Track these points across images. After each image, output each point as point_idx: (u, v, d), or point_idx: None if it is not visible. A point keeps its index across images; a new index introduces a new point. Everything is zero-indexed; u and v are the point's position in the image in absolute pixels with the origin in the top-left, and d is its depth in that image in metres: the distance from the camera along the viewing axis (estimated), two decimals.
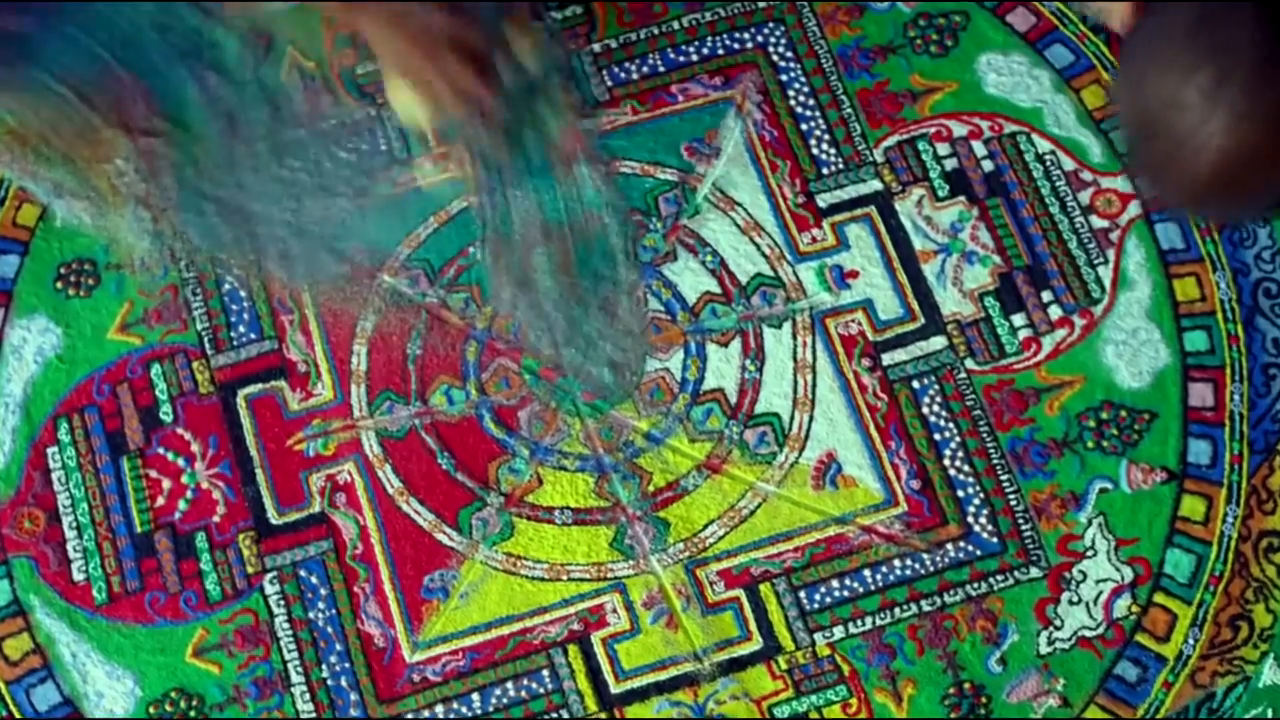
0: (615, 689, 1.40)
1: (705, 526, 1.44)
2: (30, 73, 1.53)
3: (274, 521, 1.45)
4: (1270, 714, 1.38)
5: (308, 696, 1.40)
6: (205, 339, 1.50)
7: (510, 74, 1.29)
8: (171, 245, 1.51)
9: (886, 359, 1.49)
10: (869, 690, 1.39)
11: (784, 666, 1.40)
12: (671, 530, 1.44)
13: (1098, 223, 1.52)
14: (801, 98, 1.57)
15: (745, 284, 1.52)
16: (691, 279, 1.52)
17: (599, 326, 1.50)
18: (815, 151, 1.55)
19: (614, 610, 1.42)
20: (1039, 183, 1.54)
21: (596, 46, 1.59)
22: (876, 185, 1.55)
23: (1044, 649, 1.40)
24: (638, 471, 1.46)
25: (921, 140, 1.56)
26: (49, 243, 1.54)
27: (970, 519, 1.44)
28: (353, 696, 1.40)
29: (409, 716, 1.39)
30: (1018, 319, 1.50)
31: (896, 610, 1.41)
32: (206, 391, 1.49)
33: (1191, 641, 1.40)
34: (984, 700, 1.39)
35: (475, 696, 1.40)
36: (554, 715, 1.39)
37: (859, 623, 1.41)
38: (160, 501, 1.46)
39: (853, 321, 1.50)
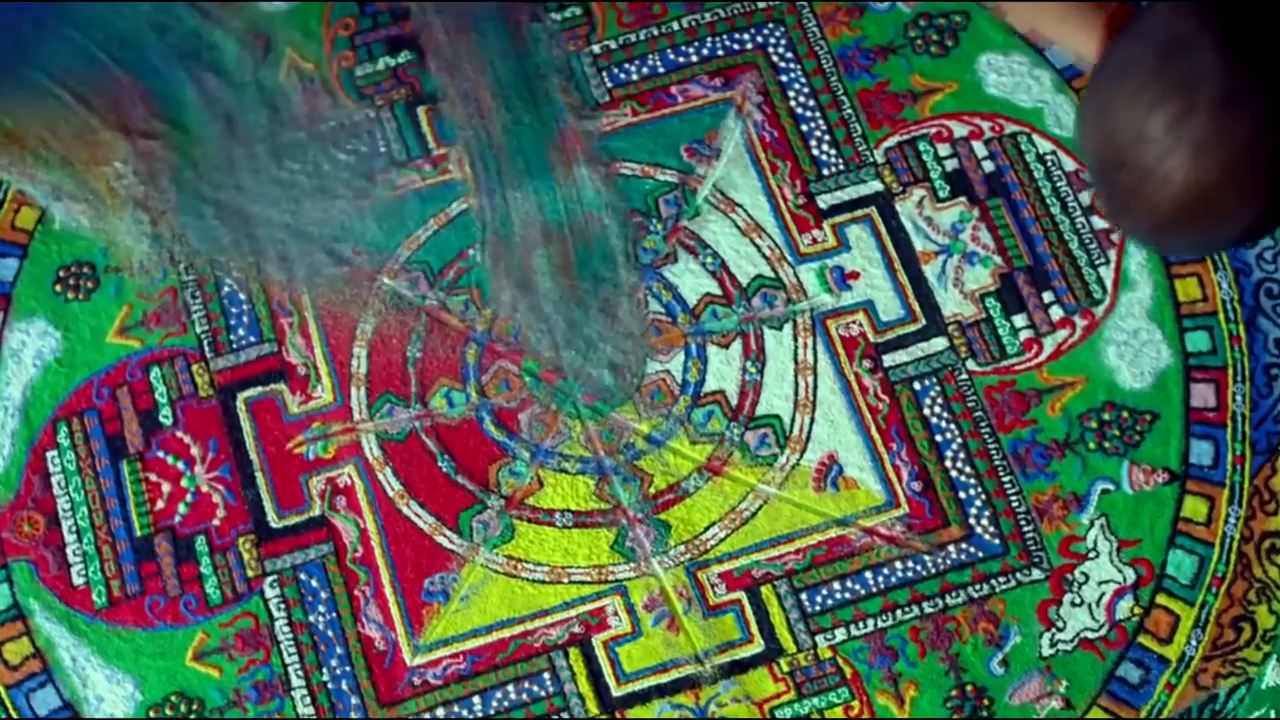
0: (617, 692, 1.40)
1: (706, 529, 1.44)
2: (28, 74, 1.53)
3: (274, 525, 1.45)
4: (1273, 715, 1.38)
5: (308, 700, 1.40)
6: (205, 342, 1.50)
7: None
8: (170, 248, 1.51)
9: (888, 360, 1.48)
10: (871, 692, 1.39)
11: (786, 669, 1.40)
12: (672, 532, 1.44)
13: (1099, 223, 1.52)
14: (802, 98, 1.57)
15: (746, 285, 1.51)
16: (692, 281, 1.52)
17: (599, 328, 1.50)
18: (816, 152, 1.55)
19: (615, 613, 1.42)
20: (1040, 183, 1.54)
21: (596, 48, 1.59)
22: (877, 186, 1.54)
23: (1046, 651, 1.40)
24: (638, 474, 1.46)
25: (922, 141, 1.55)
26: (48, 246, 1.54)
27: (972, 521, 1.44)
28: (353, 700, 1.40)
29: None
30: (1019, 320, 1.49)
31: (898, 612, 1.41)
32: (206, 395, 1.49)
33: (1194, 643, 1.40)
34: (986, 702, 1.39)
35: (476, 699, 1.40)
36: (555, 718, 1.39)
37: (861, 625, 1.41)
38: (160, 505, 1.45)
39: (854, 323, 1.50)
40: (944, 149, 1.55)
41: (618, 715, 1.40)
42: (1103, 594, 1.41)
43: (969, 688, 1.39)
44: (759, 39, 1.59)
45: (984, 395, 1.47)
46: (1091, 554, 1.42)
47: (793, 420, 1.47)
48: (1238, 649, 1.40)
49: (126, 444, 1.47)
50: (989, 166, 1.54)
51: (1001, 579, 1.42)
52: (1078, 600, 1.41)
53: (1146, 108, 0.90)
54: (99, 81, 1.52)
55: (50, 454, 1.47)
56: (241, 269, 1.51)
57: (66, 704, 1.40)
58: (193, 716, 1.40)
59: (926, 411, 1.47)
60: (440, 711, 1.39)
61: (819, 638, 1.41)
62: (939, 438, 1.46)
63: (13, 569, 1.44)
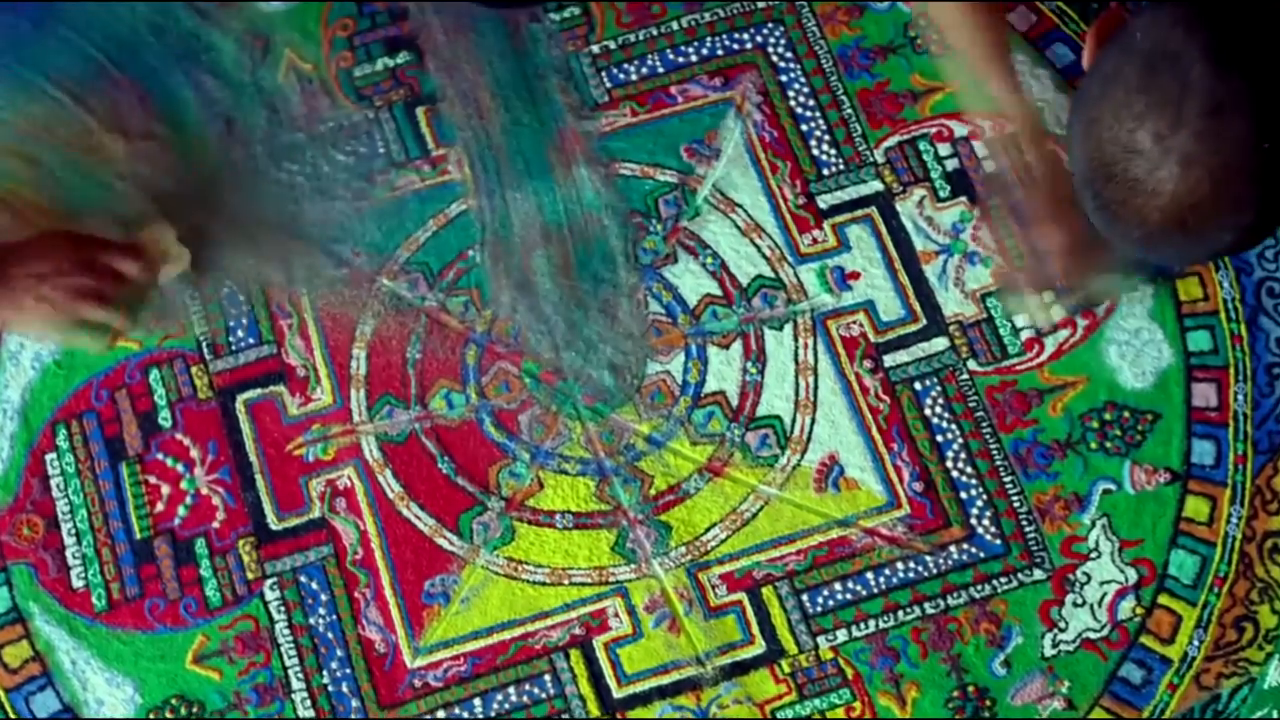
0: (618, 693, 1.40)
1: (707, 530, 1.44)
2: (26, 75, 1.52)
3: (274, 527, 1.44)
4: (1276, 715, 1.38)
5: (309, 703, 1.40)
6: (204, 344, 1.50)
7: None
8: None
9: (888, 360, 1.48)
10: (872, 693, 1.39)
11: (787, 670, 1.40)
12: (673, 534, 1.43)
13: None
14: (801, 98, 1.57)
15: (746, 286, 1.51)
16: (692, 281, 1.51)
17: (599, 329, 1.49)
18: (816, 152, 1.55)
19: (616, 614, 1.42)
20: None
21: (595, 48, 1.58)
22: (877, 186, 1.54)
23: (1048, 651, 1.40)
24: (639, 475, 1.45)
25: (922, 140, 1.55)
26: None
27: (973, 521, 1.43)
28: (354, 703, 1.39)
29: None
30: (1020, 320, 1.49)
31: (900, 613, 1.41)
32: (205, 397, 1.48)
33: (1196, 643, 1.40)
34: (988, 703, 1.38)
35: (477, 702, 1.40)
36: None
37: (862, 626, 1.41)
38: (159, 507, 1.45)
39: (854, 323, 1.50)
40: (944, 149, 1.55)
41: (619, 717, 1.39)
42: (1104, 594, 1.41)
43: (971, 688, 1.39)
44: (759, 39, 1.59)
45: (985, 395, 1.47)
46: (1093, 554, 1.42)
47: (793, 421, 1.47)
48: (1240, 649, 1.40)
49: (126, 446, 1.47)
50: (990, 166, 1.54)
51: (1003, 579, 1.42)
52: (1079, 600, 1.41)
53: (1135, 120, 0.90)
54: (96, 83, 1.52)
55: (49, 457, 1.47)
56: (240, 271, 1.51)
57: (66, 707, 1.40)
58: (193, 719, 1.39)
59: (927, 412, 1.46)
60: (441, 714, 1.39)
61: (820, 639, 1.40)
62: (940, 438, 1.46)
63: (12, 572, 1.43)
